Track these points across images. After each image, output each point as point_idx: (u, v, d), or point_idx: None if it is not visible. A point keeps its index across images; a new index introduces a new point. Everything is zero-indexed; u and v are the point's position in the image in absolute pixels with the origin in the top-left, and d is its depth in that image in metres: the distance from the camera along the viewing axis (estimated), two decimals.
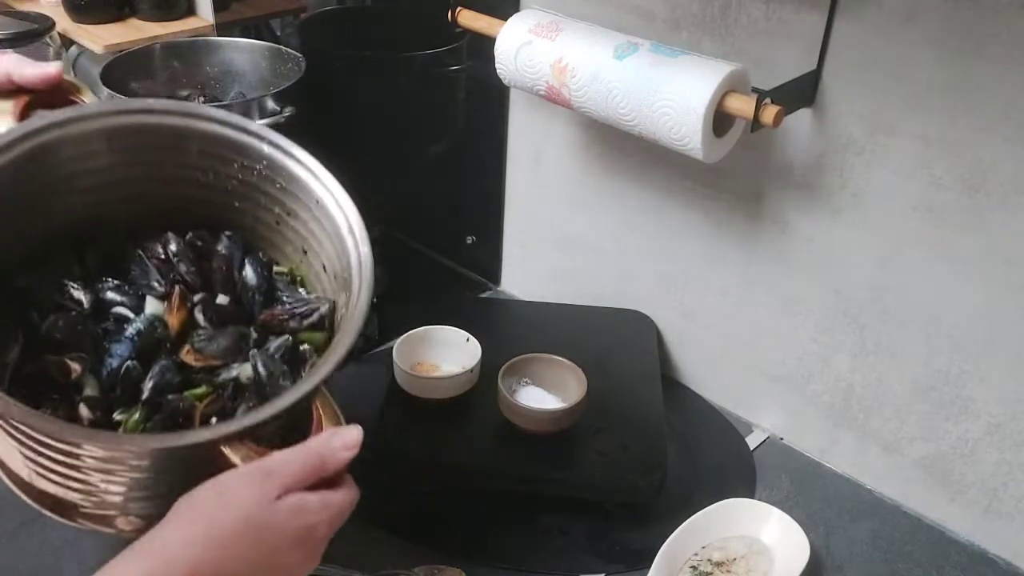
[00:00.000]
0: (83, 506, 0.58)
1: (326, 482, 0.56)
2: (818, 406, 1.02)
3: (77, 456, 0.54)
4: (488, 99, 1.21)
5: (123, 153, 0.65)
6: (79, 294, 0.64)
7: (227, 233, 0.70)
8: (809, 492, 1.00)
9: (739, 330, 1.06)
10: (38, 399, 0.58)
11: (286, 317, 0.66)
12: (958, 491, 0.94)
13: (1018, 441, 0.88)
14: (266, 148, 0.67)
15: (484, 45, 0.99)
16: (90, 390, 0.59)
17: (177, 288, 0.66)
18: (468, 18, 1.00)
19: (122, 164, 0.66)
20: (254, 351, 0.64)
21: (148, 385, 0.61)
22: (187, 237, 0.69)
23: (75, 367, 0.59)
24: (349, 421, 0.62)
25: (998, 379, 0.87)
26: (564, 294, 1.24)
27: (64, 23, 1.35)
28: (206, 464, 0.54)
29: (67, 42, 1.36)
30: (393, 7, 1.37)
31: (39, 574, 0.84)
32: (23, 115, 0.66)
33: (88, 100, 0.70)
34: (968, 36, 0.77)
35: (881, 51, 0.82)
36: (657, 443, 0.97)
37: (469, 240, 1.37)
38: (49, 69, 0.67)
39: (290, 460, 0.54)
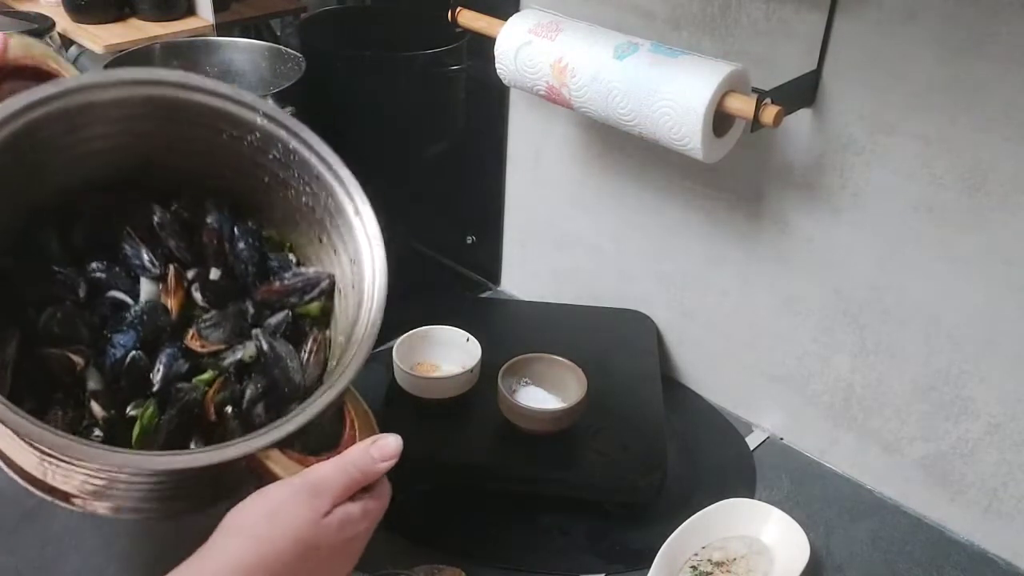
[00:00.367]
0: (100, 494, 0.57)
1: (363, 487, 0.58)
2: (818, 406, 1.02)
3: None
4: (488, 99, 1.21)
5: (104, 124, 0.62)
6: (72, 282, 0.61)
7: (211, 200, 0.68)
8: (809, 492, 1.00)
9: (739, 330, 1.06)
10: (43, 400, 0.57)
11: (286, 294, 0.66)
12: (958, 491, 0.94)
13: (1018, 441, 0.88)
14: (259, 119, 0.65)
15: (484, 45, 0.99)
16: (93, 383, 0.58)
17: (172, 268, 0.64)
18: (468, 18, 1.00)
19: (102, 136, 0.62)
20: (256, 330, 0.63)
21: (157, 376, 0.60)
22: (172, 208, 0.67)
23: (78, 360, 0.58)
24: None
25: (998, 379, 0.87)
26: (564, 294, 1.24)
27: (64, 23, 1.35)
28: (238, 471, 0.54)
29: (67, 42, 1.36)
30: (393, 7, 1.37)
31: (42, 566, 0.83)
32: None
33: (70, 74, 0.66)
34: (968, 36, 0.77)
35: (881, 51, 0.82)
36: (657, 443, 0.97)
37: (469, 240, 1.37)
38: None
39: (335, 476, 0.56)
